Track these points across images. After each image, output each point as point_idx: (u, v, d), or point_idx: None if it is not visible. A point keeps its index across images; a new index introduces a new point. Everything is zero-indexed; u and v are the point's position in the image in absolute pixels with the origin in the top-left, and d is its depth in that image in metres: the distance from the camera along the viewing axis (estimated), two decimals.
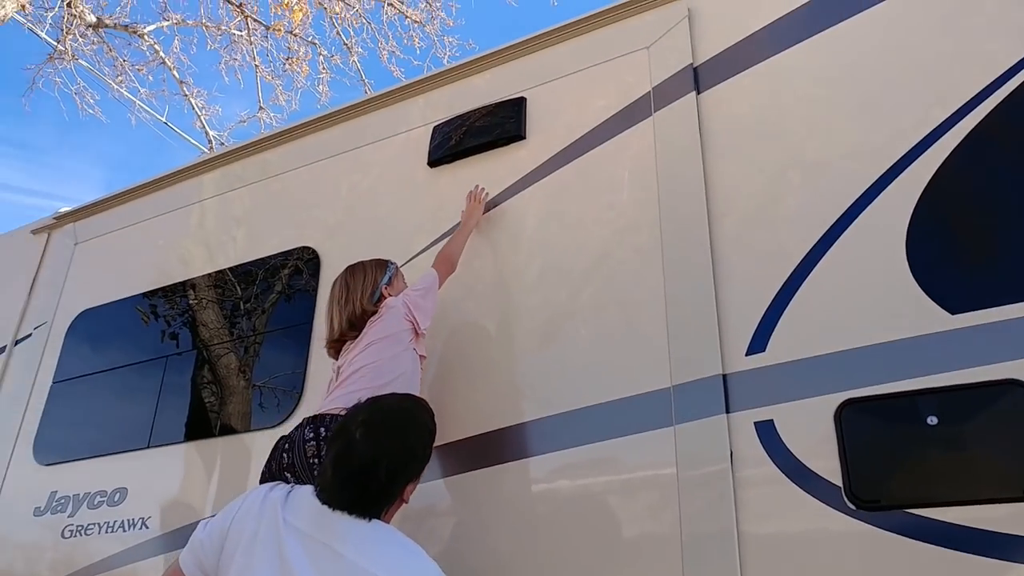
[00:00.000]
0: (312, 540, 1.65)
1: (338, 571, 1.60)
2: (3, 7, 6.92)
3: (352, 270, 2.49)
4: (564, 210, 2.52)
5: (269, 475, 2.17)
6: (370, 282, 2.42)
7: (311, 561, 1.62)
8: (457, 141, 2.81)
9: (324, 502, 1.70)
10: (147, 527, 2.85)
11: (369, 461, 1.69)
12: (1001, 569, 1.60)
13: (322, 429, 2.12)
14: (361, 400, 1.90)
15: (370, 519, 1.70)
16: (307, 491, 1.75)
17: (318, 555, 1.63)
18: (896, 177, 2.01)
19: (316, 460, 2.07)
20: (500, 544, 2.17)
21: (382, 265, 2.49)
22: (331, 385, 2.37)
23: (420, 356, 2.36)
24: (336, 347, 2.44)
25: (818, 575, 1.78)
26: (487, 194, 2.67)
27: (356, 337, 2.35)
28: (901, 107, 2.09)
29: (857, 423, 1.83)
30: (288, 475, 2.11)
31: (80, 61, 8.46)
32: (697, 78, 2.42)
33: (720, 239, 2.19)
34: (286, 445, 2.18)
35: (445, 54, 9.41)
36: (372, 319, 2.35)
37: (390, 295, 2.42)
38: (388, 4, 9.18)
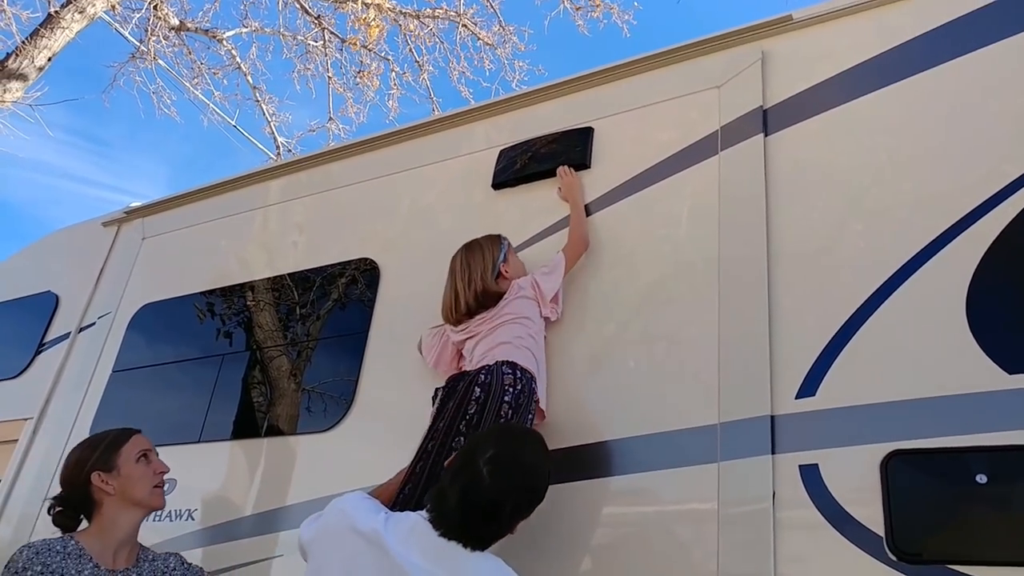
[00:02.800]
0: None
1: None
2: (92, 5, 7.23)
3: (469, 248, 2.58)
4: (623, 241, 2.56)
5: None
6: (489, 259, 2.52)
7: None
8: (522, 165, 2.87)
9: (440, 531, 1.70)
10: (192, 519, 2.94)
11: (496, 501, 1.70)
12: None
13: (476, 388, 2.19)
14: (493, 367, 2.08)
15: (482, 549, 1.72)
16: (414, 520, 1.75)
17: None
18: (961, 232, 2.00)
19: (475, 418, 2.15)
20: (537, 567, 2.19)
21: (497, 241, 2.58)
22: (441, 356, 2.54)
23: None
24: (459, 319, 2.51)
25: None
26: (572, 170, 2.72)
27: (486, 310, 2.45)
28: (970, 162, 2.09)
29: (903, 474, 1.83)
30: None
31: (160, 62, 8.79)
32: (766, 120, 2.45)
33: (777, 281, 2.20)
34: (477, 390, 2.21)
35: (515, 78, 9.55)
36: (506, 298, 2.45)
37: (507, 272, 2.51)
38: (462, 25, 9.36)
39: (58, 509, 2.11)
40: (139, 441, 2.18)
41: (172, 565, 2.16)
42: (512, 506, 1.72)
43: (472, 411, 2.17)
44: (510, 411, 2.16)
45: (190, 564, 2.22)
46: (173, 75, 9.13)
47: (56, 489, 2.16)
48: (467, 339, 2.47)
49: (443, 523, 1.70)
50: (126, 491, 2.09)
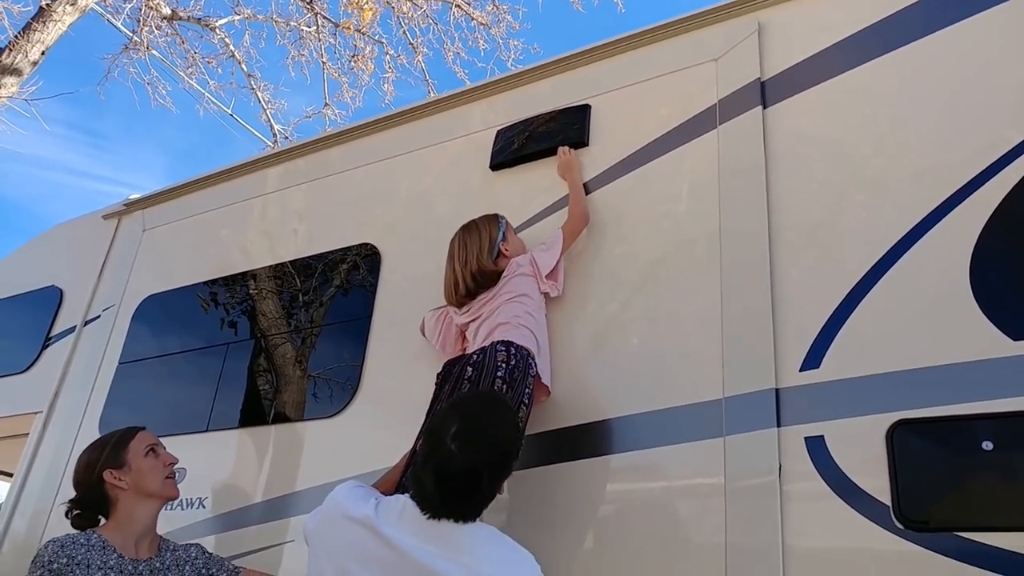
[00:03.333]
0: (436, 556, 1.67)
1: None
2: None
3: (467, 229, 2.59)
4: (624, 218, 2.55)
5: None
6: (486, 239, 2.52)
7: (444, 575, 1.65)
8: (520, 146, 2.85)
9: (426, 512, 1.72)
10: (203, 507, 2.97)
11: (470, 475, 1.71)
12: None
13: (468, 368, 2.23)
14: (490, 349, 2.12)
15: (474, 520, 1.74)
16: (403, 502, 1.77)
17: (450, 570, 1.65)
18: (963, 200, 1.99)
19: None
20: (544, 542, 2.20)
21: (494, 221, 2.59)
22: (446, 339, 2.56)
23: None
24: (461, 301, 2.53)
25: None
26: (570, 150, 2.71)
27: (486, 290, 2.46)
28: (971, 130, 2.07)
29: (909, 443, 1.83)
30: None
31: (154, 52, 8.74)
32: (764, 92, 2.43)
33: (779, 254, 2.19)
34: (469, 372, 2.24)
35: (510, 57, 9.47)
36: (505, 276, 2.46)
37: (506, 250, 2.52)
38: (455, 5, 9.28)
39: (76, 512, 2.17)
40: (145, 437, 2.25)
41: (194, 554, 2.23)
42: (489, 474, 1.73)
43: (464, 391, 2.18)
44: (504, 386, 2.16)
45: (211, 554, 2.28)
46: (167, 65, 9.10)
47: (68, 481, 2.21)
48: (470, 322, 2.48)
49: (427, 506, 1.72)
50: (139, 484, 2.16)
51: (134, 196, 4.20)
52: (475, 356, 2.27)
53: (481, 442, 1.74)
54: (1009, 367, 1.80)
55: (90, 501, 2.16)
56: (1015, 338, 1.82)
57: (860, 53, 2.33)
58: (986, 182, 1.99)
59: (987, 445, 1.75)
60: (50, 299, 4.15)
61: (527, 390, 2.21)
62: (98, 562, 1.97)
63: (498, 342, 2.27)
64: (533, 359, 2.28)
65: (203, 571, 2.20)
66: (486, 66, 9.50)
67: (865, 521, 1.82)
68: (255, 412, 3.13)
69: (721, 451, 2.04)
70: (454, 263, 2.55)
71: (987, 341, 1.84)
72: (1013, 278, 1.92)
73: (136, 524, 2.13)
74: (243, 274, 3.47)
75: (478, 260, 2.49)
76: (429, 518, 1.71)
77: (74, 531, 2.09)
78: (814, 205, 2.22)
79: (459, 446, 1.71)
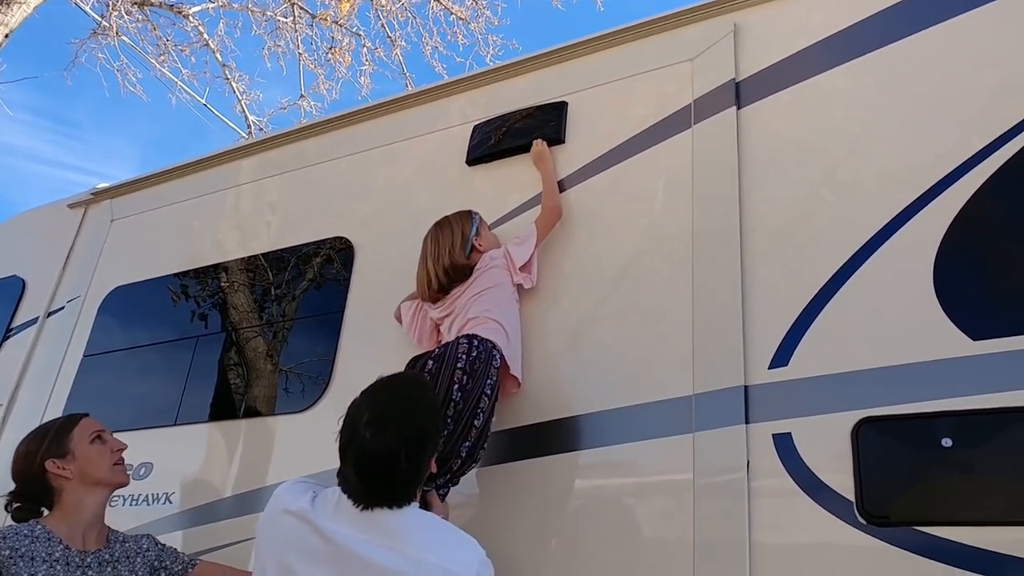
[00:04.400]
0: (369, 544, 1.68)
1: (408, 570, 1.64)
2: None
3: (440, 226, 2.59)
4: (599, 215, 2.57)
5: None
6: (459, 234, 2.53)
7: (378, 565, 1.65)
8: (496, 141, 2.85)
9: (358, 504, 1.72)
10: (170, 502, 2.93)
11: (388, 456, 1.70)
12: None
13: (430, 362, 2.25)
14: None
15: (405, 505, 1.74)
16: (337, 494, 1.77)
17: (383, 557, 1.66)
18: (929, 202, 2.04)
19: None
20: (516, 538, 2.22)
21: (467, 217, 2.59)
22: (422, 333, 2.57)
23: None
24: (434, 298, 2.53)
25: None
26: (543, 143, 2.72)
27: (458, 285, 2.47)
28: (938, 134, 2.12)
29: (873, 441, 1.87)
30: None
31: (124, 38, 8.58)
32: (739, 93, 2.46)
33: (750, 253, 2.23)
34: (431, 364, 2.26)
35: (488, 53, 9.47)
36: (477, 270, 2.46)
37: (480, 246, 2.52)
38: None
39: (16, 505, 2.08)
40: (89, 423, 2.16)
41: (146, 546, 2.16)
42: (407, 454, 1.71)
43: None
44: (464, 376, 2.18)
45: (164, 545, 2.21)
46: (138, 52, 8.94)
47: None
48: (444, 316, 2.49)
49: (356, 499, 1.72)
50: (85, 473, 2.07)
51: (102, 185, 4.12)
52: (437, 350, 2.29)
53: (395, 423, 1.74)
54: (969, 367, 1.85)
55: (32, 493, 2.07)
56: (974, 338, 1.86)
57: (834, 56, 2.36)
58: (950, 186, 2.04)
59: (946, 442, 1.80)
60: (12, 289, 4.05)
61: (489, 380, 2.21)
62: (43, 554, 1.90)
63: (462, 336, 2.29)
64: (498, 350, 2.29)
65: (155, 564, 2.14)
66: (465, 61, 9.51)
67: (829, 516, 1.85)
68: (224, 406, 3.09)
69: (690, 447, 2.07)
70: (427, 260, 2.55)
71: (948, 341, 1.89)
72: (974, 280, 1.98)
73: (83, 513, 2.04)
74: (214, 266, 3.43)
75: (450, 255, 2.49)
76: (362, 509, 1.71)
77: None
78: (785, 205, 2.26)
79: (373, 433, 1.71)
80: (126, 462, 2.21)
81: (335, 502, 1.76)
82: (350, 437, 1.75)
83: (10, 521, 2.05)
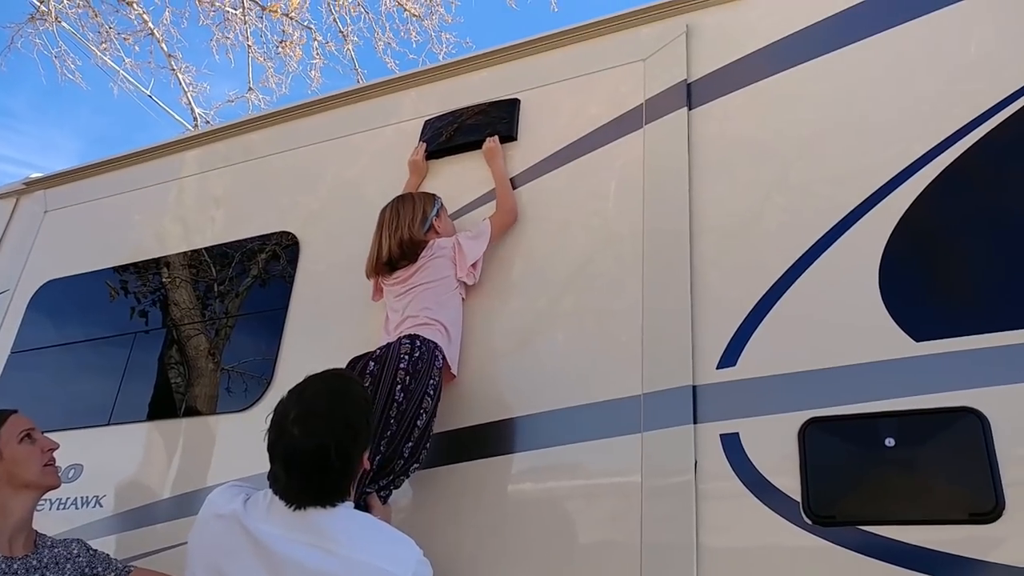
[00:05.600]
0: (298, 544, 1.64)
1: (340, 570, 1.60)
2: None
3: (402, 199, 2.57)
4: (550, 215, 2.55)
5: None
6: (420, 211, 2.50)
7: (307, 566, 1.62)
8: (448, 137, 2.82)
9: (291, 504, 1.68)
10: (101, 505, 2.82)
11: (317, 452, 1.67)
12: None
13: (371, 363, 2.22)
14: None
15: (340, 503, 1.70)
16: (270, 496, 1.73)
17: (312, 558, 1.62)
18: (875, 205, 2.07)
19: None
20: (463, 538, 2.19)
21: (431, 197, 2.58)
22: (375, 292, 2.58)
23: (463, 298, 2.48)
24: (380, 270, 2.50)
25: None
26: (495, 139, 2.70)
27: (405, 266, 2.43)
28: (884, 138, 2.15)
29: (819, 441, 1.89)
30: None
31: (63, 24, 8.29)
32: (690, 94, 2.47)
33: (700, 254, 2.23)
34: (372, 366, 2.21)
35: (441, 50, 9.37)
36: (423, 256, 2.42)
37: (439, 228, 2.50)
38: None
39: None
40: (18, 421, 2.05)
41: (76, 551, 2.06)
42: (337, 449, 1.68)
43: (367, 385, 2.15)
44: (407, 376, 2.16)
45: (95, 550, 2.12)
46: (78, 39, 8.64)
47: None
48: (390, 296, 2.46)
49: (288, 498, 1.68)
50: (13, 474, 1.98)
51: (35, 175, 3.96)
52: (378, 351, 2.25)
53: (322, 419, 1.70)
54: (911, 367, 1.87)
55: None
56: (917, 339, 1.89)
57: (784, 59, 2.39)
58: (896, 189, 2.07)
59: (889, 442, 1.82)
60: None
61: (432, 381, 2.20)
62: None
63: (404, 336, 2.26)
64: (440, 351, 2.27)
65: (87, 570, 2.04)
66: (418, 58, 9.41)
67: (776, 517, 1.86)
68: (161, 405, 2.99)
69: (638, 447, 2.06)
70: (382, 230, 2.52)
71: (892, 342, 1.91)
72: (917, 282, 2.01)
73: (10, 518, 1.95)
74: (155, 261, 3.32)
75: (409, 228, 2.47)
76: (294, 509, 1.67)
77: None
78: (735, 207, 2.27)
79: (301, 429, 1.68)
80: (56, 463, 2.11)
81: (267, 504, 1.72)
82: (277, 435, 1.71)
83: None
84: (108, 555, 2.14)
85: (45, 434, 2.12)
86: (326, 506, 1.68)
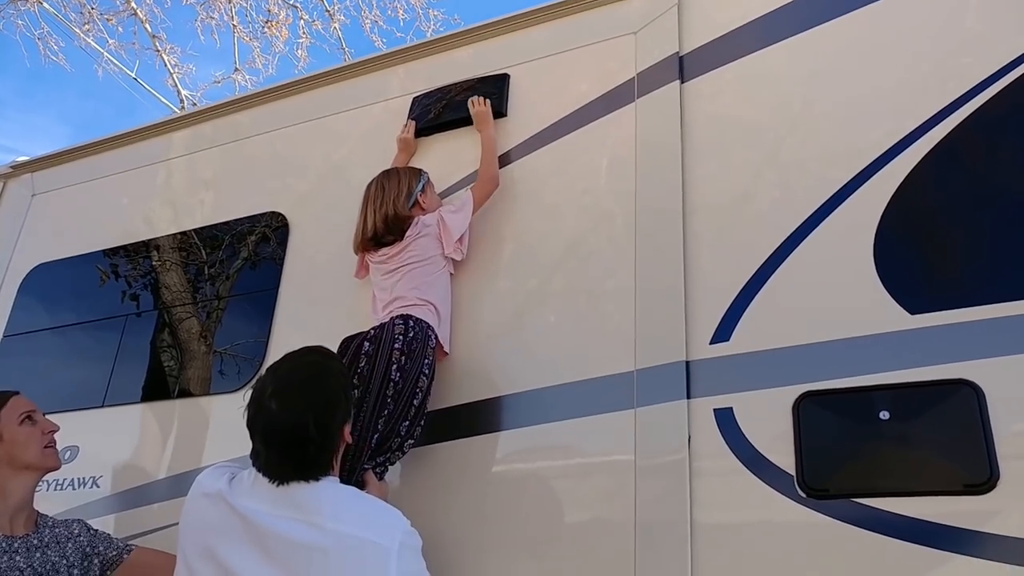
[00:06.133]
0: (283, 519, 1.65)
1: (327, 543, 1.60)
2: None
3: (387, 173, 2.54)
4: (541, 192, 2.52)
5: None
6: (405, 186, 2.47)
7: (293, 540, 1.62)
8: (437, 114, 2.78)
9: (273, 480, 1.69)
10: (97, 486, 2.82)
11: (295, 425, 1.68)
12: (939, 559, 1.66)
13: (366, 343, 2.21)
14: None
15: (321, 478, 1.71)
16: (254, 473, 1.74)
17: (297, 532, 1.62)
18: (868, 179, 2.05)
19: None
20: (456, 516, 2.19)
21: (416, 172, 2.55)
22: (360, 271, 2.57)
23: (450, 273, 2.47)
24: (366, 247, 2.48)
25: (767, 560, 1.83)
26: (487, 101, 2.66)
27: (391, 242, 2.41)
28: (877, 112, 2.12)
29: (814, 415, 1.88)
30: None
31: (44, 4, 8.17)
32: (682, 67, 2.43)
33: (693, 229, 2.21)
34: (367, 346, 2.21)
35: (429, 27, 9.32)
36: (409, 235, 2.40)
37: (424, 203, 2.47)
38: None
39: None
40: (19, 403, 2.07)
41: (77, 531, 2.08)
42: (315, 421, 1.69)
43: (362, 364, 2.17)
44: (402, 356, 2.16)
45: (96, 529, 2.14)
46: (60, 20, 8.52)
47: None
48: (375, 274, 2.45)
49: (270, 474, 1.70)
50: (14, 456, 2.00)
51: (22, 158, 3.92)
52: (372, 332, 2.25)
53: (299, 392, 1.72)
54: (906, 340, 1.86)
55: None
56: (912, 312, 1.88)
57: (776, 31, 2.35)
58: (890, 162, 2.05)
59: (884, 415, 1.81)
60: None
61: (426, 360, 2.20)
62: None
63: (397, 317, 2.25)
64: (433, 331, 2.27)
65: (87, 549, 2.06)
66: (405, 36, 9.33)
67: (769, 490, 1.86)
68: (154, 387, 2.99)
69: (632, 423, 2.05)
70: (367, 205, 2.50)
71: (887, 315, 1.90)
72: (912, 255, 1.99)
73: (11, 498, 1.97)
74: (144, 243, 3.30)
75: (394, 203, 2.44)
76: (278, 485, 1.68)
77: None
78: (728, 182, 2.24)
79: (278, 403, 1.70)
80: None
81: (251, 481, 1.73)
82: (256, 411, 1.73)
83: None
84: (108, 534, 2.16)
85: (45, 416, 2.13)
86: (308, 480, 1.69)
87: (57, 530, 2.04)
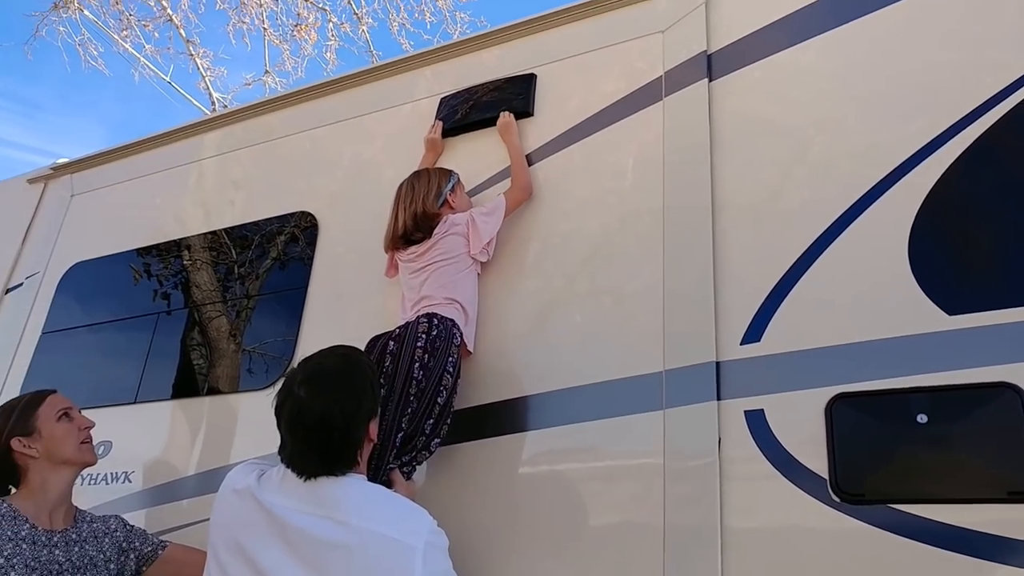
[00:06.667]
0: (308, 515, 1.66)
1: (351, 541, 1.61)
2: None
3: (418, 174, 2.57)
4: (568, 192, 2.51)
5: None
6: (435, 185, 2.49)
7: (317, 536, 1.63)
8: (464, 115, 2.78)
9: (299, 473, 1.70)
10: (130, 481, 2.86)
11: (322, 415, 1.70)
12: (980, 568, 1.61)
13: (391, 343, 2.23)
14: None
15: (348, 473, 1.72)
16: (283, 469, 1.76)
17: (322, 529, 1.63)
18: (902, 177, 2.00)
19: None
20: (482, 516, 2.18)
21: (446, 173, 2.57)
22: (389, 269, 2.56)
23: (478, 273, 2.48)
24: (396, 244, 2.50)
25: (799, 566, 1.79)
26: (509, 114, 2.67)
27: (420, 239, 2.43)
28: (911, 109, 2.07)
29: (847, 417, 1.84)
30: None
31: (85, 12, 8.36)
32: (710, 66, 2.40)
33: (722, 229, 2.17)
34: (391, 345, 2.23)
35: (456, 30, 9.35)
36: (437, 232, 2.41)
37: (453, 202, 2.48)
38: None
39: None
40: (56, 400, 2.12)
41: (113, 526, 2.12)
42: (341, 411, 1.71)
43: (387, 363, 2.18)
44: (424, 354, 2.16)
45: (132, 526, 2.18)
46: (100, 26, 8.71)
47: None
48: (406, 273, 2.46)
49: (297, 467, 1.71)
50: (52, 451, 2.04)
51: (62, 160, 4.00)
52: (396, 331, 2.26)
53: (328, 381, 1.74)
54: (944, 341, 1.81)
55: None
56: (950, 313, 1.83)
57: (805, 30, 2.31)
58: (925, 159, 2.00)
59: (922, 418, 1.76)
60: None
61: (451, 358, 2.20)
62: (8, 533, 1.87)
63: (421, 315, 2.26)
64: (458, 329, 2.27)
65: (124, 544, 2.10)
66: (432, 38, 9.38)
67: (802, 494, 1.82)
68: (185, 384, 3.02)
69: (661, 424, 2.02)
70: (398, 204, 2.52)
71: (924, 316, 1.85)
72: (949, 254, 1.94)
73: (50, 493, 2.01)
74: (176, 242, 3.34)
75: (423, 201, 2.45)
76: (306, 479, 1.70)
77: None
78: (757, 181, 2.20)
79: (307, 391, 1.72)
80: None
81: (280, 477, 1.75)
82: (284, 397, 1.76)
83: None
84: (144, 531, 2.21)
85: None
86: (334, 474, 1.70)
87: (95, 525, 2.09)
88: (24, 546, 1.88)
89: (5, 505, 1.93)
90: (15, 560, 1.84)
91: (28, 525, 1.92)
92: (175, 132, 3.66)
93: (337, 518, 1.64)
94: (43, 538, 1.93)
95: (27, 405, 2.08)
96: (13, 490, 2.03)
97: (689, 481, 1.94)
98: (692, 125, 2.34)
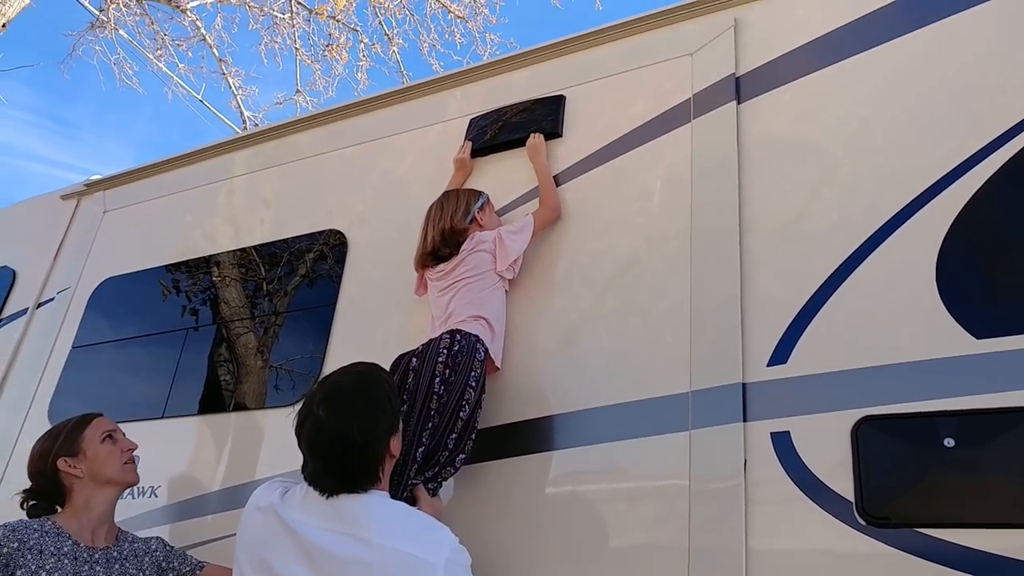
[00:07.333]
0: (330, 532, 1.67)
1: (371, 558, 1.61)
2: None
3: (447, 194, 2.62)
4: (596, 212, 2.53)
5: None
6: (463, 203, 2.55)
7: (338, 554, 1.64)
8: (493, 135, 2.82)
9: (321, 491, 1.72)
10: (156, 496, 2.88)
11: (341, 434, 1.71)
12: None
13: (413, 359, 2.27)
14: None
15: (369, 490, 1.73)
16: (306, 487, 1.77)
17: (343, 546, 1.64)
18: (931, 200, 2.00)
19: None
20: (505, 535, 2.18)
21: (476, 192, 2.62)
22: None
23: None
24: (425, 262, 2.54)
25: None
26: (539, 135, 2.70)
27: (448, 255, 2.47)
28: (940, 132, 2.08)
29: (873, 440, 1.83)
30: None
31: (121, 32, 8.55)
32: (739, 88, 2.42)
33: (749, 250, 2.19)
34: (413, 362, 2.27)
35: (486, 51, 9.44)
36: (464, 249, 2.45)
37: (482, 220, 2.52)
38: None
39: (31, 502, 2.12)
40: (101, 423, 2.21)
41: (154, 547, 2.19)
42: (362, 432, 1.72)
43: (410, 380, 2.21)
44: (445, 369, 2.19)
45: (172, 547, 2.24)
46: (135, 46, 8.91)
47: (13, 469, 2.14)
48: (435, 291, 2.49)
49: (319, 485, 1.73)
50: (96, 472, 2.11)
51: (95, 177, 4.08)
52: (420, 348, 2.29)
53: (346, 399, 1.75)
54: (972, 365, 1.81)
55: (45, 491, 2.11)
56: (978, 336, 1.83)
57: (834, 52, 2.33)
58: (953, 183, 2.00)
59: (949, 442, 1.75)
60: (2, 280, 4.01)
61: (473, 373, 2.20)
62: (51, 548, 1.93)
63: (445, 332, 2.28)
64: (482, 344, 2.28)
65: (163, 564, 2.16)
66: (462, 59, 9.48)
67: (828, 517, 1.81)
68: (212, 400, 3.06)
69: (686, 445, 2.03)
70: (428, 223, 2.57)
71: (951, 339, 1.85)
72: (977, 278, 1.94)
73: (93, 511, 2.08)
74: (205, 259, 3.39)
75: (451, 218, 2.50)
76: (328, 497, 1.71)
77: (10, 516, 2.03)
78: (785, 203, 2.22)
79: (326, 410, 1.73)
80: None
81: (303, 495, 1.76)
82: (304, 416, 1.77)
83: (9, 502, 2.14)
84: (184, 552, 2.26)
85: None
86: (356, 491, 1.71)
87: (136, 545, 2.15)
88: (66, 561, 1.93)
89: (49, 523, 2.00)
90: (56, 574, 1.90)
91: (71, 541, 1.98)
92: (206, 150, 3.72)
93: (358, 535, 1.64)
94: (84, 554, 1.99)
95: (74, 427, 2.16)
96: (59, 510, 2.10)
97: (714, 502, 1.94)
98: (720, 147, 2.36)
